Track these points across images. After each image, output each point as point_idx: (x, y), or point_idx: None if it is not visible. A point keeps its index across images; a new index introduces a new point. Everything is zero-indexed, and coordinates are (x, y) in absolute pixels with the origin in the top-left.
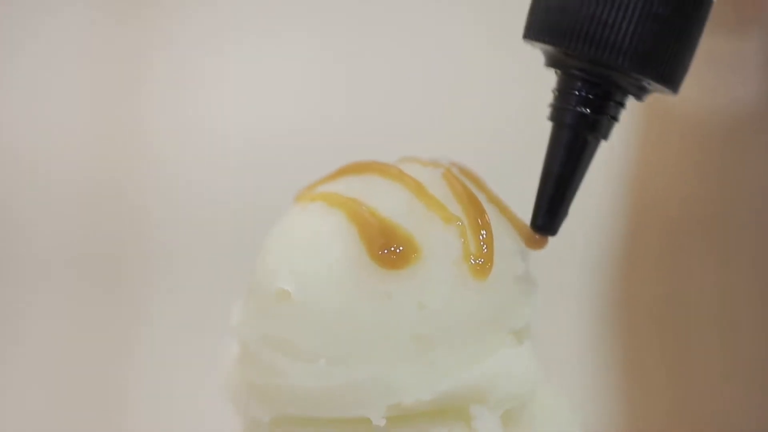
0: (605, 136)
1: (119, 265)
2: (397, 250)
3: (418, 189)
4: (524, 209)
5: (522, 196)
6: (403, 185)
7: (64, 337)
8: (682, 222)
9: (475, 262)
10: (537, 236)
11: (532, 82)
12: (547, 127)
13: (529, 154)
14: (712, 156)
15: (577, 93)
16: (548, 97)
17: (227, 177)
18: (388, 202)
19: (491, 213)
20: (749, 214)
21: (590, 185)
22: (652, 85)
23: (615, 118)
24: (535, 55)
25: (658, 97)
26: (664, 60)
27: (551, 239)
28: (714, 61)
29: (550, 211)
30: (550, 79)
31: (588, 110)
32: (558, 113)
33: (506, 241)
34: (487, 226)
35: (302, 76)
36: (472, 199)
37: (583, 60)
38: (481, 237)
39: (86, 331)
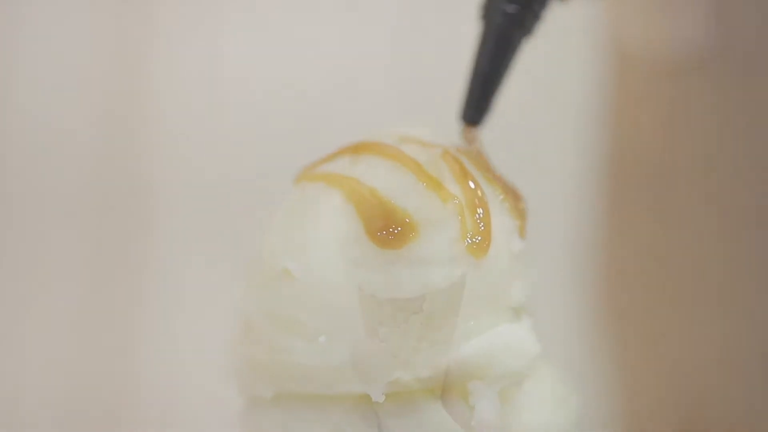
0: (530, 33)
1: (122, 238)
2: (395, 230)
3: (416, 169)
4: (528, 189)
5: (527, 175)
6: (402, 165)
7: (65, 307)
8: (649, 166)
9: (472, 240)
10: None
11: (541, 66)
12: (556, 111)
13: (536, 133)
14: (660, 98)
15: None
16: (555, 84)
17: (230, 153)
18: (387, 181)
19: (489, 192)
20: (696, 152)
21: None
22: None
23: (538, 16)
24: (546, 41)
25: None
26: None
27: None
28: (663, 3)
29: (478, 105)
30: (557, 67)
31: (514, 9)
32: (486, 12)
33: (504, 219)
34: (484, 204)
35: (306, 51)
36: (470, 178)
37: None
38: (478, 215)
39: (88, 307)
